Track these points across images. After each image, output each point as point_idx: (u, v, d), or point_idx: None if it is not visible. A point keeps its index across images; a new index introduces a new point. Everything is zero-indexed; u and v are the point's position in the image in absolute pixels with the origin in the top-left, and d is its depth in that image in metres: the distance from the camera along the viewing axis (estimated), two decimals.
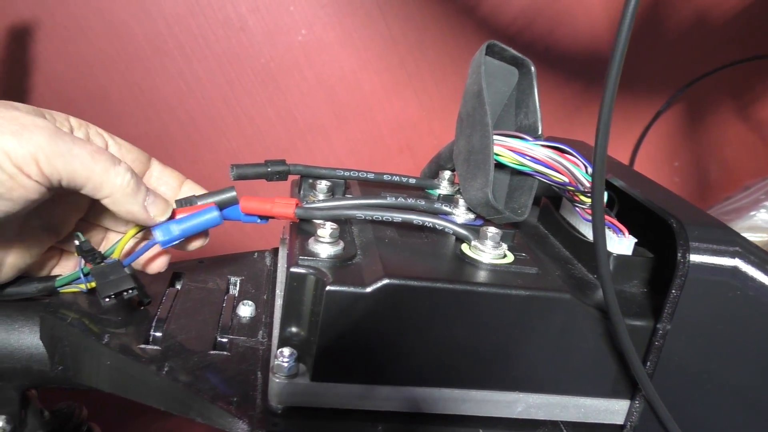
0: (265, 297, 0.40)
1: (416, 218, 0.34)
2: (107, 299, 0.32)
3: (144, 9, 0.73)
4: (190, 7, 0.74)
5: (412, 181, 0.43)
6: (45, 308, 0.35)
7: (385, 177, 0.42)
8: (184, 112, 0.77)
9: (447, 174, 0.43)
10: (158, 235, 0.34)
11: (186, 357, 0.33)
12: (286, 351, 0.30)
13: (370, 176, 0.42)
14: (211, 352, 0.34)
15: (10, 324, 0.35)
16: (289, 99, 0.79)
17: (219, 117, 0.78)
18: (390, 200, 0.36)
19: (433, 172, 0.45)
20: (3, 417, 0.37)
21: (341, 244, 0.31)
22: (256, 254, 0.45)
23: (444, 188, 0.42)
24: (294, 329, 0.30)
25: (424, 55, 0.81)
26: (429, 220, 0.34)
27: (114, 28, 0.73)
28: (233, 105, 0.78)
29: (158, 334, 0.35)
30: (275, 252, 0.46)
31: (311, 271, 0.29)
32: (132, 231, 0.35)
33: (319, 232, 0.31)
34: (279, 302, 0.37)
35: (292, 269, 0.29)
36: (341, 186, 0.40)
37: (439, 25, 0.80)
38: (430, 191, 0.43)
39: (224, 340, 0.35)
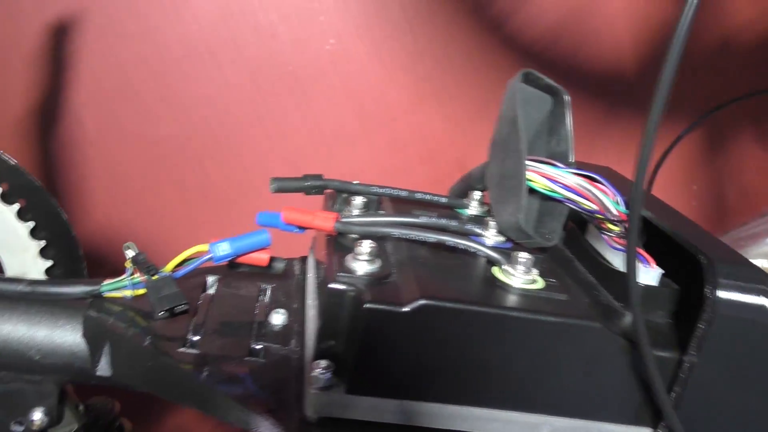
0: (295, 306, 0.41)
1: (450, 240, 0.35)
2: (161, 313, 0.33)
3: (177, 12, 0.74)
4: (222, 12, 0.75)
5: (443, 200, 0.44)
6: (89, 308, 0.37)
7: (417, 195, 0.43)
8: (212, 115, 0.79)
9: (477, 194, 0.44)
10: (214, 251, 0.35)
11: (223, 362, 0.34)
12: (323, 363, 0.31)
13: (403, 194, 0.43)
14: (247, 358, 0.35)
15: (54, 321, 0.37)
16: (315, 106, 0.81)
17: (246, 121, 0.79)
18: (424, 220, 0.37)
19: (462, 191, 0.46)
20: (41, 409, 0.38)
21: (378, 262, 0.33)
22: (285, 262, 0.46)
23: (474, 208, 0.44)
24: (330, 342, 0.32)
25: (450, 68, 0.82)
26: (462, 243, 0.35)
27: (148, 30, 0.75)
28: (261, 110, 0.80)
29: (196, 338, 0.36)
30: (303, 260, 0.47)
31: (350, 288, 0.31)
32: (197, 247, 0.36)
33: (357, 249, 0.33)
34: (311, 312, 0.38)
35: (331, 285, 0.31)
36: (374, 202, 0.42)
37: (465, 40, 0.81)
38: (459, 210, 0.44)
39: (259, 347, 0.36)
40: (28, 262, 0.43)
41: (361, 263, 0.32)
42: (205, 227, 0.81)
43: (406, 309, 0.29)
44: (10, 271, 0.43)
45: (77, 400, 0.40)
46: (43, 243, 0.43)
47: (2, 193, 0.41)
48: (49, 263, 0.43)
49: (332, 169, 0.81)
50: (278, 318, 0.39)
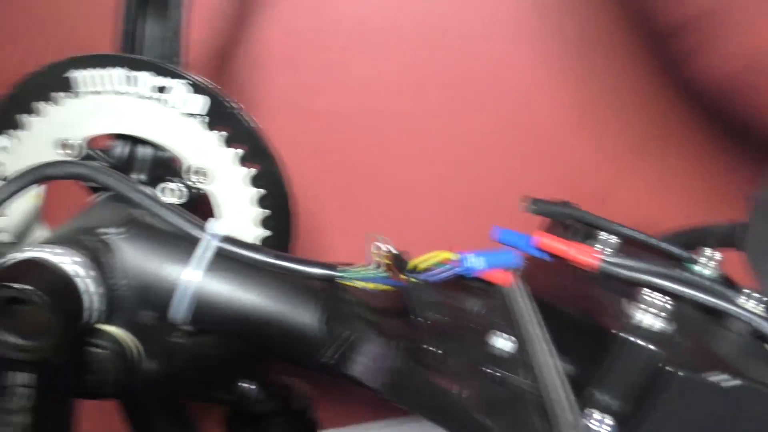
0: (512, 331, 0.40)
1: (733, 309, 0.33)
2: (421, 320, 0.32)
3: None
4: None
5: (675, 250, 0.42)
6: (329, 294, 0.35)
7: (652, 240, 0.41)
8: (368, 96, 0.77)
9: (715, 255, 0.41)
10: (468, 263, 0.34)
11: (468, 383, 0.33)
12: (596, 414, 0.29)
13: (641, 237, 0.41)
14: (488, 383, 0.34)
15: (292, 299, 0.35)
16: (467, 107, 0.79)
17: (398, 109, 0.78)
18: (691, 276, 0.35)
19: (689, 243, 0.44)
20: (249, 382, 0.37)
21: (672, 321, 0.31)
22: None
23: (705, 266, 0.41)
24: (610, 395, 0.30)
25: (616, 100, 0.79)
26: (746, 314, 0.33)
27: (325, 3, 0.73)
28: (414, 100, 0.78)
29: (433, 349, 0.35)
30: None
31: (648, 346, 0.29)
32: (444, 254, 0.35)
33: (645, 298, 0.31)
34: (541, 346, 0.36)
35: (631, 338, 0.29)
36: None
37: (638, 74, 0.78)
38: (687, 264, 0.42)
39: (497, 373, 0.35)
40: (249, 227, 0.42)
41: (651, 316, 0.30)
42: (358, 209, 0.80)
43: (723, 385, 0.27)
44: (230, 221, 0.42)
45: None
46: (267, 212, 0.42)
47: (243, 155, 0.40)
48: (267, 233, 0.42)
49: (463, 174, 0.80)
50: (503, 343, 0.38)
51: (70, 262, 0.30)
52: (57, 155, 0.40)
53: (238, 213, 0.41)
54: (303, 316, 0.35)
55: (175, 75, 0.38)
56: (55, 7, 0.69)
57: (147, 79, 0.38)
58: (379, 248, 0.34)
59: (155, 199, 0.34)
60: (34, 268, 0.29)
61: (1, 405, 0.31)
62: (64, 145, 0.40)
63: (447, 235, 0.83)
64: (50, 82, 0.38)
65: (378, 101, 0.77)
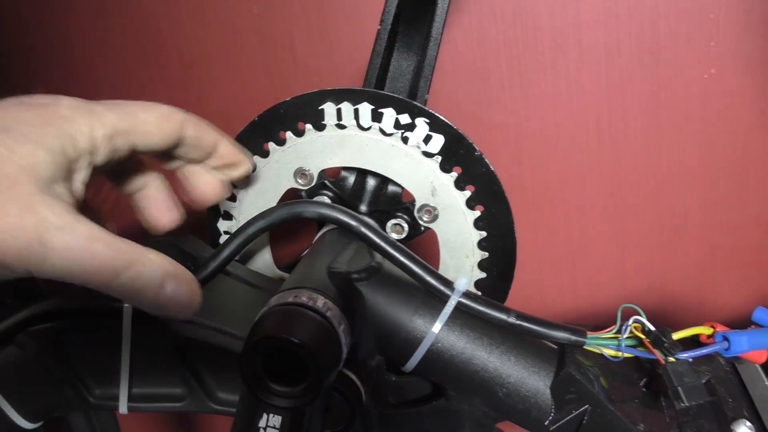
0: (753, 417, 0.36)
1: None
2: (684, 405, 0.30)
3: (562, 3, 0.69)
4: (607, 13, 0.69)
5: None
6: (564, 355, 0.34)
7: None
8: (549, 114, 0.74)
9: None
10: (734, 343, 0.31)
11: None
12: None
13: None
14: None
15: (527, 362, 0.34)
16: (663, 132, 0.73)
17: (582, 127, 0.74)
18: None
19: None
20: None
21: None
22: None
23: None
24: None
25: None
26: None
27: (523, 14, 0.70)
28: (602, 121, 0.73)
29: None
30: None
31: None
32: (697, 328, 0.32)
33: None
34: None
35: None
36: None
37: None
38: None
39: None
40: (465, 269, 0.41)
41: None
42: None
43: None
44: (444, 271, 0.41)
45: None
46: (486, 255, 0.40)
47: (470, 197, 0.39)
48: (482, 275, 0.41)
49: (650, 205, 0.75)
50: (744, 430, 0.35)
51: (327, 311, 0.31)
52: (293, 183, 0.41)
53: (458, 253, 0.41)
54: (537, 380, 0.34)
55: (420, 113, 0.38)
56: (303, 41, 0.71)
57: (391, 116, 0.38)
58: (639, 323, 0.32)
59: (408, 254, 0.33)
60: (301, 318, 0.30)
61: None
62: (301, 174, 0.40)
63: (622, 269, 0.79)
64: (301, 112, 0.39)
65: (563, 118, 0.73)
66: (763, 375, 0.38)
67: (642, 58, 0.70)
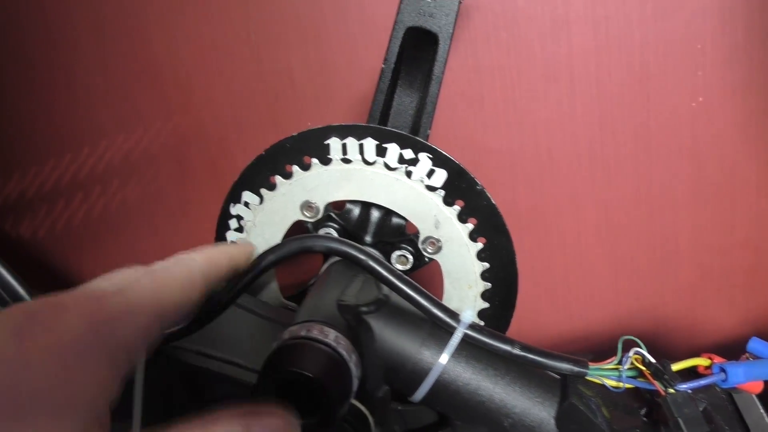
0: None
1: None
2: None
3: (555, 34, 0.71)
4: (597, 43, 0.71)
5: None
6: (566, 386, 0.35)
7: None
8: (543, 141, 0.75)
9: None
10: (731, 374, 0.32)
11: None
12: None
13: None
14: None
15: (530, 393, 0.35)
16: (654, 161, 0.75)
17: (575, 156, 0.75)
18: None
19: None
20: None
21: None
22: None
23: None
24: None
25: None
26: None
27: (520, 42, 0.72)
28: (594, 149, 0.75)
29: None
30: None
31: None
32: (697, 360, 0.33)
33: None
34: None
35: None
36: None
37: None
38: None
39: None
40: (468, 299, 0.42)
41: None
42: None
43: None
44: (447, 301, 0.42)
45: None
46: (488, 285, 0.41)
47: (472, 230, 0.40)
48: (485, 305, 0.42)
49: (641, 229, 0.77)
50: None
51: (338, 345, 0.31)
52: (299, 215, 0.42)
53: (461, 284, 0.41)
54: (542, 410, 0.35)
55: (423, 148, 0.39)
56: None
57: (395, 151, 0.39)
58: (640, 355, 0.33)
59: (415, 286, 0.34)
60: (313, 352, 0.30)
61: None
62: (308, 207, 0.41)
63: (615, 292, 0.80)
64: (307, 147, 0.40)
65: (556, 145, 0.75)
66: (758, 403, 0.39)
67: (632, 87, 0.72)
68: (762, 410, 0.38)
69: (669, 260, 0.78)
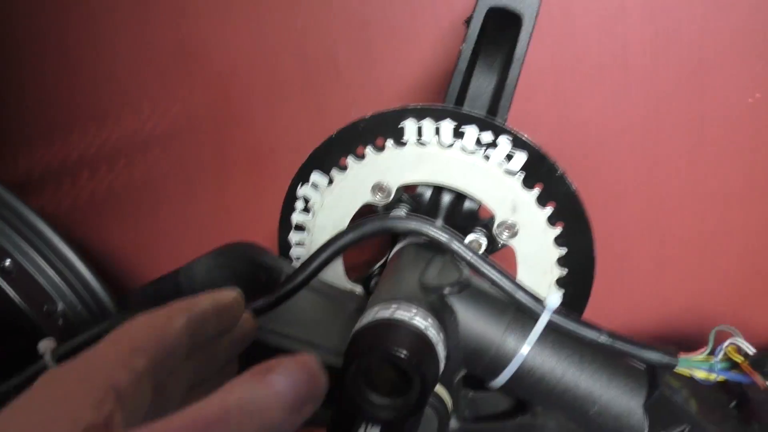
0: None
1: None
2: None
3: (610, 23, 0.70)
4: (655, 35, 0.69)
5: None
6: (653, 376, 0.34)
7: None
8: (605, 133, 0.74)
9: None
10: None
11: None
12: None
13: None
14: None
15: (619, 383, 0.34)
16: (707, 155, 0.73)
17: (624, 147, 0.74)
18: None
19: None
20: None
21: None
22: None
23: None
24: None
25: None
26: None
27: (569, 34, 0.71)
28: (647, 142, 0.74)
29: None
30: None
31: None
32: None
33: None
34: None
35: None
36: None
37: None
38: None
39: None
40: (542, 285, 0.41)
41: None
42: None
43: None
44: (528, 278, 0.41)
45: None
46: (564, 271, 0.41)
47: (551, 214, 0.39)
48: (560, 292, 0.41)
49: (685, 225, 0.75)
50: None
51: (426, 326, 0.30)
52: (369, 197, 0.41)
53: (536, 270, 0.41)
54: (630, 400, 0.34)
55: (503, 131, 0.38)
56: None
57: (473, 134, 0.38)
58: (736, 345, 0.32)
59: (500, 269, 0.33)
60: (402, 331, 0.30)
61: None
62: (379, 189, 0.41)
63: (658, 290, 0.79)
64: (381, 129, 0.39)
65: (607, 138, 0.74)
66: None
67: (688, 80, 0.70)
68: None
69: (718, 260, 0.77)
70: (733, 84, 0.70)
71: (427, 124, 0.39)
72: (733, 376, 0.33)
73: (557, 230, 0.40)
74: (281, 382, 0.23)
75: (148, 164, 0.79)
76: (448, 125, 0.38)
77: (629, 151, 0.73)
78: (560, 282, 0.41)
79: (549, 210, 0.39)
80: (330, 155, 0.41)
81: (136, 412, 0.24)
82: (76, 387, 0.22)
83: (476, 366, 0.35)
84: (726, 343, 0.33)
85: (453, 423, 0.38)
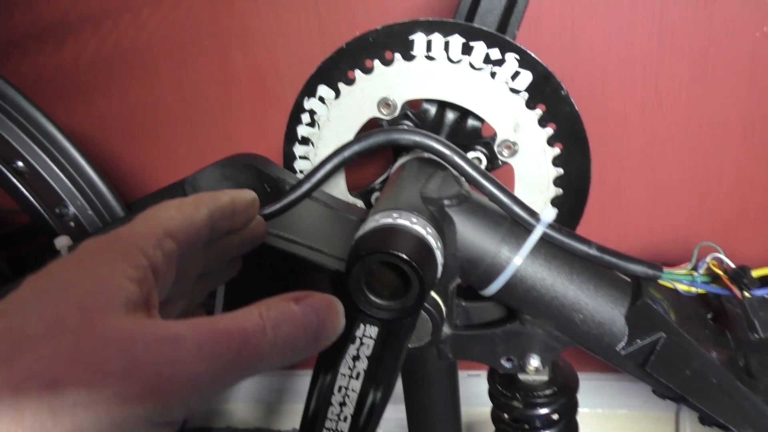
0: None
1: None
2: (758, 336, 0.32)
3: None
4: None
5: None
6: (638, 288, 0.36)
7: None
8: (610, 62, 0.74)
9: None
10: None
11: None
12: None
13: None
14: None
15: (603, 292, 0.36)
16: (708, 89, 0.73)
17: (637, 81, 0.74)
18: None
19: None
20: (538, 358, 0.39)
21: None
22: None
23: None
24: None
25: None
26: None
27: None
28: (651, 74, 0.74)
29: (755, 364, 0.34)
30: None
31: None
32: None
33: None
34: None
35: None
36: None
37: None
38: None
39: None
40: (538, 204, 0.43)
41: None
42: None
43: None
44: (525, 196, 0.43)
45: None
46: (560, 192, 0.42)
47: (551, 135, 0.40)
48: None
49: (680, 157, 0.76)
50: None
51: (426, 233, 0.32)
52: (375, 112, 0.42)
53: (533, 188, 0.42)
54: (613, 309, 0.36)
55: (511, 48, 0.39)
56: None
57: (482, 50, 0.39)
58: (717, 260, 0.34)
59: (498, 184, 0.35)
60: (404, 236, 0.31)
61: (350, 351, 0.34)
62: (385, 104, 0.41)
63: (650, 219, 0.81)
64: (390, 42, 0.40)
65: (611, 68, 0.74)
66: None
67: (696, 10, 0.70)
68: None
69: (709, 193, 0.79)
70: (741, 16, 0.69)
71: (437, 38, 0.39)
72: (713, 288, 0.35)
73: (556, 151, 0.41)
74: (311, 315, 0.26)
75: (149, 79, 0.79)
76: (457, 40, 0.39)
77: (631, 80, 0.73)
78: (555, 201, 0.42)
79: (549, 131, 0.40)
80: (339, 68, 0.42)
81: (160, 294, 0.26)
82: (119, 260, 0.23)
83: (471, 275, 0.37)
84: (708, 258, 0.35)
85: (446, 329, 0.40)
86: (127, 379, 0.20)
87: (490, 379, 0.44)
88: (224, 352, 0.22)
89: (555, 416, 0.42)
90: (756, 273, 0.34)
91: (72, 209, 0.46)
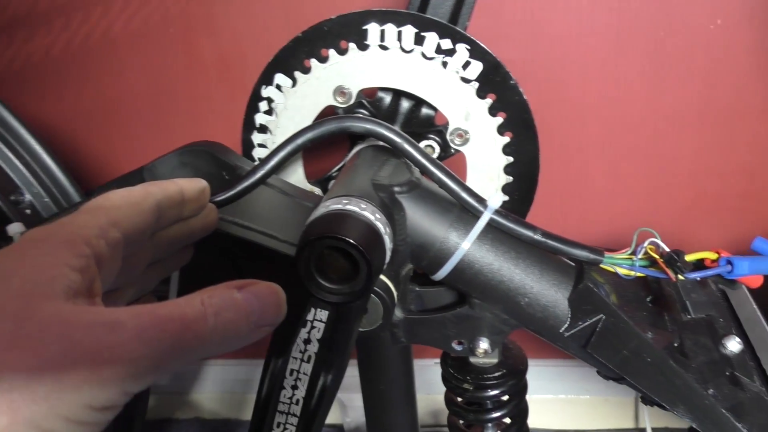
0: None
1: None
2: (690, 317, 0.33)
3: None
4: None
5: None
6: (581, 272, 0.37)
7: None
8: (569, 53, 0.75)
9: None
10: (737, 267, 0.34)
11: (713, 382, 0.34)
12: None
13: None
14: (726, 383, 0.35)
15: (547, 276, 0.38)
16: (665, 79, 0.75)
17: (595, 72, 0.76)
18: None
19: None
20: (487, 341, 0.40)
21: None
22: None
23: None
24: None
25: None
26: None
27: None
28: (609, 65, 0.75)
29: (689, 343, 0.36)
30: None
31: None
32: (703, 253, 0.36)
33: None
34: None
35: None
36: None
37: None
38: None
39: (734, 374, 0.36)
40: (489, 191, 0.44)
41: None
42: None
43: None
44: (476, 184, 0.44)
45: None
46: (510, 179, 0.43)
47: (501, 124, 0.42)
48: (504, 198, 0.44)
49: (639, 147, 0.78)
50: (734, 345, 0.39)
51: (375, 219, 0.33)
52: (331, 101, 0.43)
53: (484, 176, 0.43)
54: (557, 292, 0.38)
55: (462, 39, 0.39)
56: None
57: (434, 40, 0.40)
58: (654, 245, 0.35)
59: (446, 171, 0.36)
60: (352, 221, 0.32)
61: (302, 335, 0.35)
62: (341, 92, 0.42)
63: (611, 208, 0.83)
64: (345, 31, 0.40)
65: (570, 59, 0.75)
66: (751, 299, 0.42)
67: (653, 3, 0.72)
68: (755, 305, 0.41)
69: (667, 182, 0.81)
70: (697, 8, 0.71)
71: (390, 28, 0.40)
72: (650, 272, 0.37)
73: (506, 139, 0.42)
74: (253, 302, 0.26)
75: (118, 68, 0.79)
76: (409, 30, 0.40)
77: (591, 70, 0.75)
78: (506, 188, 0.44)
79: (499, 119, 0.41)
80: (295, 56, 0.42)
81: (105, 283, 0.26)
82: (62, 249, 0.24)
83: (422, 260, 0.38)
84: (646, 243, 0.36)
85: (399, 313, 0.41)
86: (65, 364, 0.20)
87: (443, 363, 0.45)
88: (164, 337, 0.23)
89: (505, 397, 0.44)
90: (690, 257, 0.36)
91: (28, 196, 0.46)
